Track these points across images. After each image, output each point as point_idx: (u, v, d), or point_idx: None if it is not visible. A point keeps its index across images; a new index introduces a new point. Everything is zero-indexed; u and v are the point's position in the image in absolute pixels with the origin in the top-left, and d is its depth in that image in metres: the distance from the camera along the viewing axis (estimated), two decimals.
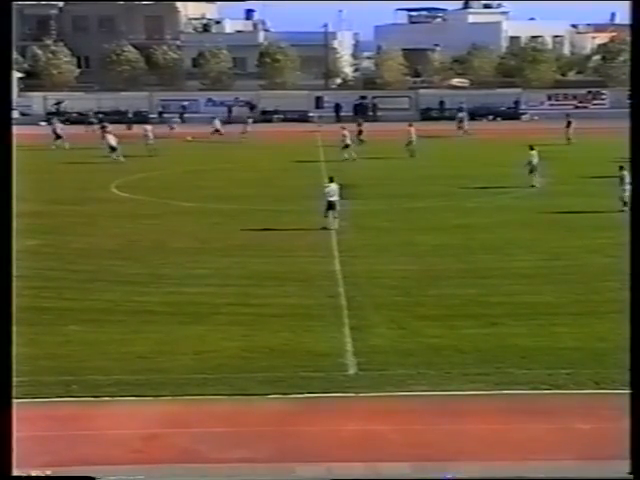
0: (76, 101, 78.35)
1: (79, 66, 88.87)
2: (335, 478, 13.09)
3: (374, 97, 78.93)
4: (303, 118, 74.63)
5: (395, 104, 77.15)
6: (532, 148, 39.14)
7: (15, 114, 77.15)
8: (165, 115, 74.76)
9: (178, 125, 66.55)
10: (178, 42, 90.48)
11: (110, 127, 56.39)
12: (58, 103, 78.48)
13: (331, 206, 30.18)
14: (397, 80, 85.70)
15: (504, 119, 74.63)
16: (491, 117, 76.06)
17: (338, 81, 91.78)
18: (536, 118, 74.97)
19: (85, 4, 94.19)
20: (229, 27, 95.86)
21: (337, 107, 76.55)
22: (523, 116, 76.69)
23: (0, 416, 9.43)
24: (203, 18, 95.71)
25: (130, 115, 76.16)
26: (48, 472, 12.40)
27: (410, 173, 44.46)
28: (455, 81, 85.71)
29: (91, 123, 67.48)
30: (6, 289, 9.45)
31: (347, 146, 49.86)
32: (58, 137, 55.00)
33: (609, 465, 12.46)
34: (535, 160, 38.82)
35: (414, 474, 13.14)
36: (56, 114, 76.68)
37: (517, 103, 77.64)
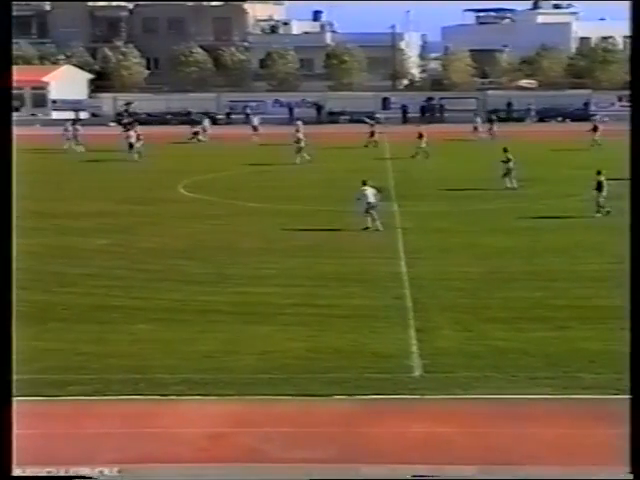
0: (145, 102, 79.18)
1: (148, 67, 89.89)
2: (325, 478, 12.95)
3: (441, 98, 78.55)
4: (370, 119, 74.46)
5: (462, 105, 76.63)
6: (506, 150, 39.39)
7: (86, 115, 78.36)
8: (232, 116, 75.19)
9: (242, 126, 66.68)
10: (246, 43, 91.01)
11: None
12: (128, 104, 79.38)
13: (370, 208, 30.58)
14: (464, 81, 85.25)
15: (573, 120, 73.73)
16: (560, 119, 75.21)
17: (405, 82, 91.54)
18: (606, 120, 73.95)
19: (155, 6, 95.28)
20: (296, 28, 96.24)
21: (404, 108, 76.28)
22: (593, 117, 75.75)
23: (0, 416, 9.41)
24: (271, 19, 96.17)
25: (194, 116, 76.76)
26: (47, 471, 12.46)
27: (473, 174, 44.13)
28: (523, 82, 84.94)
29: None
30: (6, 289, 9.48)
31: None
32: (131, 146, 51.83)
33: None
34: (511, 164, 38.86)
35: (479, 477, 13.05)
36: (125, 115, 77.61)
37: (587, 104, 76.65)
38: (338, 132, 62.99)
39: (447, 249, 27.90)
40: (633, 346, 9.40)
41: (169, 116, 76.60)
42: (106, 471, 12.91)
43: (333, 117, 76.11)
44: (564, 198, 36.46)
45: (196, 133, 61.83)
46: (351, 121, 74.94)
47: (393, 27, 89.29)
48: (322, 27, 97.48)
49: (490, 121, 62.09)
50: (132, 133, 52.77)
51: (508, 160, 39.02)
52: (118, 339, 19.35)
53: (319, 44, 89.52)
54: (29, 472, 11.95)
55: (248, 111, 74.78)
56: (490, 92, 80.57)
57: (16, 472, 10.12)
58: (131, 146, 51.41)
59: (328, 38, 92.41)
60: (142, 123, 74.78)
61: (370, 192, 30.95)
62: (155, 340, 19.24)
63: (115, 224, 32.72)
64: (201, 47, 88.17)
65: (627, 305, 9.54)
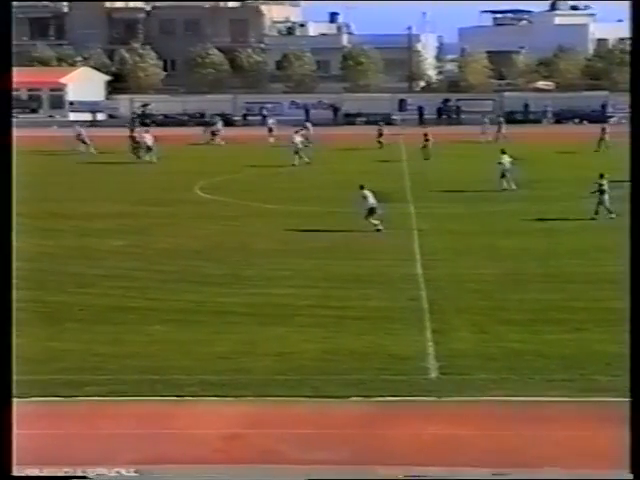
0: (162, 103, 79.43)
1: (165, 69, 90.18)
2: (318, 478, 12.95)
3: (458, 100, 78.47)
4: (386, 121, 74.41)
5: (479, 107, 76.46)
6: (503, 152, 39.62)
7: (103, 116, 78.64)
8: (249, 118, 75.32)
9: (259, 127, 66.75)
10: (262, 45, 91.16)
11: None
12: (144, 105, 79.64)
13: (372, 211, 30.71)
14: (481, 83, 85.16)
15: (591, 122, 73.52)
16: (577, 120, 75.00)
17: (422, 84, 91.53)
18: (624, 122, 73.66)
19: (172, 8, 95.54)
20: (313, 30, 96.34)
21: (420, 110, 76.24)
22: (611, 119, 75.50)
23: (1, 417, 9.60)
24: (287, 21, 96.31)
25: (207, 118, 76.96)
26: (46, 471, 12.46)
27: (490, 175, 44.03)
28: (540, 84, 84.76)
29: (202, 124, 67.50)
30: (6, 289, 9.52)
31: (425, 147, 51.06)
32: (149, 149, 51.46)
33: None
34: (507, 165, 39.09)
35: (480, 477, 13.02)
36: (142, 116, 77.84)
37: (604, 106, 76.39)
38: (354, 134, 62.89)
39: (463, 251, 27.88)
40: (633, 348, 9.38)
41: (185, 117, 76.79)
42: (123, 472, 12.96)
43: (349, 119, 76.16)
44: (571, 200, 36.31)
45: (214, 133, 61.82)
46: (367, 123, 74.95)
47: (410, 29, 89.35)
48: (339, 29, 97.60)
49: (499, 123, 61.86)
50: (147, 135, 52.79)
51: (505, 162, 39.16)
52: (134, 340, 19.41)
53: (335, 46, 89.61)
54: (29, 472, 11.95)
55: (264, 112, 74.89)
56: (507, 94, 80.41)
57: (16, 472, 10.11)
58: (149, 149, 51.41)
59: (345, 40, 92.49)
60: (159, 125, 75.30)
61: (369, 195, 31.05)
62: (171, 341, 19.29)
63: (132, 225, 32.82)
64: (218, 49, 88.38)
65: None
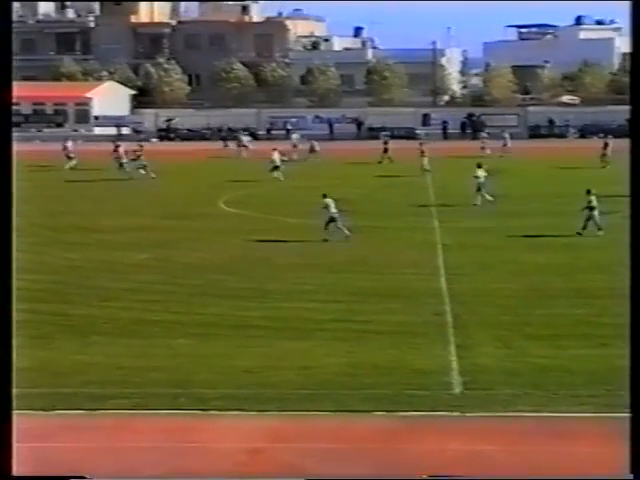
0: (187, 118, 79.76)
1: (190, 83, 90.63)
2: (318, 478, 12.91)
3: (482, 114, 78.35)
4: (410, 135, 74.50)
5: (503, 122, 76.35)
6: (479, 166, 39.84)
7: (128, 131, 79.05)
8: (273, 132, 75.46)
9: (283, 142, 66.74)
10: (287, 60, 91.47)
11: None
12: (169, 120, 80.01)
13: (332, 219, 31.97)
14: (506, 97, 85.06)
15: (615, 137, 73.18)
16: (602, 135, 74.68)
17: (446, 98, 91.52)
18: None
19: (197, 23, 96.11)
20: (338, 45, 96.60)
21: (444, 124, 76.19)
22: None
23: (0, 416, 9.61)
24: (312, 36, 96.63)
25: (225, 132, 77.27)
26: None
27: (515, 191, 43.93)
28: (565, 98, 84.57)
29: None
30: (6, 301, 9.52)
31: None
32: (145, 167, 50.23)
33: None
34: (482, 179, 39.25)
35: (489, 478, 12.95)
36: (167, 130, 78.22)
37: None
38: (371, 148, 62.54)
39: (487, 265, 27.81)
40: (633, 345, 9.30)
41: (208, 132, 77.05)
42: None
43: (373, 133, 75.93)
44: (540, 215, 36.38)
45: (240, 145, 61.72)
46: (391, 137, 74.91)
47: (434, 43, 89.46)
48: (363, 43, 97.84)
49: (503, 138, 61.69)
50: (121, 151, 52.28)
51: (480, 175, 39.33)
52: (158, 353, 19.45)
53: (360, 60, 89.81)
54: (29, 472, 11.96)
55: (288, 127, 75.07)
56: (531, 108, 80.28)
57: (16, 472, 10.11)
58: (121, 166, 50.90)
59: (369, 54, 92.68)
60: (183, 139, 75.66)
61: (331, 204, 32.14)
62: (195, 355, 19.31)
63: (155, 239, 32.93)
64: (242, 63, 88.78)
65: None
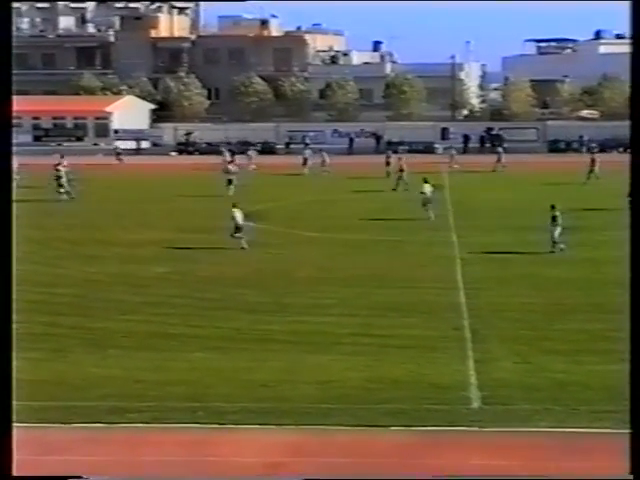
0: (205, 132, 80.00)
1: (209, 97, 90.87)
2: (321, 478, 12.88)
3: (501, 129, 78.23)
4: (429, 149, 74.49)
5: (522, 136, 76.29)
6: (426, 181, 40.45)
7: (147, 144, 79.37)
8: (292, 146, 75.51)
9: (300, 156, 66.70)
10: (306, 74, 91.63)
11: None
12: (188, 134, 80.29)
13: (238, 229, 33.43)
14: (525, 111, 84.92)
15: None
16: (621, 149, 74.44)
17: (465, 112, 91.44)
18: None
19: (217, 37, 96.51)
20: (356, 59, 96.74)
21: (466, 138, 75.78)
22: None
23: (0, 417, 9.40)
24: (331, 50, 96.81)
25: (258, 146, 77.36)
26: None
27: (532, 205, 43.80)
28: (585, 113, 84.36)
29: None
30: (6, 311, 9.49)
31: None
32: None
33: None
34: (429, 194, 39.78)
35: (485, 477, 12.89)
36: (186, 144, 78.43)
37: None
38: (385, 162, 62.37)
39: (505, 279, 27.75)
40: (633, 340, 9.25)
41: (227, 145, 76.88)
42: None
43: (392, 147, 75.63)
44: (492, 231, 36.50)
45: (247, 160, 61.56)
46: (410, 151, 74.91)
47: (453, 57, 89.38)
48: (382, 57, 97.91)
49: (498, 153, 61.57)
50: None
51: (426, 191, 39.79)
52: (176, 367, 19.48)
53: (379, 74, 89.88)
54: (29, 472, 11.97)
55: (307, 141, 75.12)
56: (550, 122, 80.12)
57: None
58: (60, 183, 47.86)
59: (388, 68, 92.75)
60: (202, 153, 75.81)
61: (238, 215, 33.41)
62: (213, 368, 19.33)
63: (174, 252, 33.00)
64: (261, 77, 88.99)
65: None
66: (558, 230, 31.89)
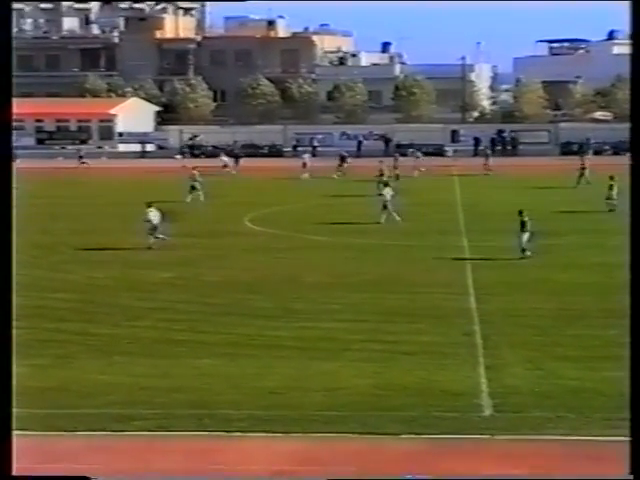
0: (211, 135, 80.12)
1: (215, 100, 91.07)
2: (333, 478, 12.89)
3: (512, 131, 78.21)
4: (438, 152, 74.48)
5: (534, 138, 76.24)
6: (386, 184, 41.64)
7: (152, 147, 79.56)
8: (299, 148, 75.54)
9: (310, 159, 66.67)
10: (313, 75, 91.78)
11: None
12: (194, 137, 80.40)
13: (155, 228, 34.31)
14: (536, 113, 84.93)
15: None
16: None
17: (475, 114, 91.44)
18: None
19: (223, 39, 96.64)
20: (365, 60, 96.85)
21: (476, 141, 75.76)
22: None
23: (0, 417, 9.59)
24: (339, 51, 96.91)
25: (265, 149, 77.51)
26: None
27: (549, 207, 43.80)
28: (598, 114, 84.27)
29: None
30: (6, 323, 9.53)
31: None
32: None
33: None
34: (388, 197, 40.31)
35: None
36: (191, 147, 78.52)
37: None
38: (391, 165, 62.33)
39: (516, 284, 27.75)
40: (633, 343, 9.22)
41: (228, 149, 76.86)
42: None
43: (401, 150, 75.53)
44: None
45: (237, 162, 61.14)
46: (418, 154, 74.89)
47: (463, 58, 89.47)
48: (391, 59, 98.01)
49: (486, 155, 61.57)
50: None
51: (386, 194, 40.27)
52: (183, 373, 19.50)
53: (388, 76, 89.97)
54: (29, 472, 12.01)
55: (315, 143, 75.21)
56: (562, 124, 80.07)
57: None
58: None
59: (397, 70, 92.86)
60: (208, 156, 75.89)
61: (154, 215, 34.34)
62: (220, 375, 19.35)
63: (180, 257, 33.05)
64: (268, 79, 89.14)
65: None
66: (526, 235, 31.50)
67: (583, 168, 53.28)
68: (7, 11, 9.38)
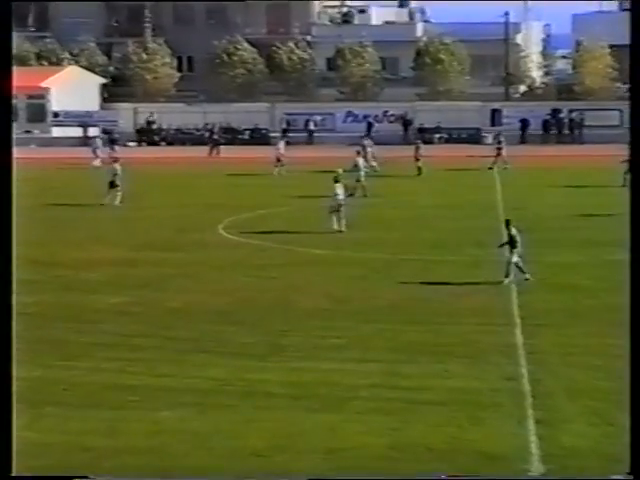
0: (175, 115, 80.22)
1: (180, 69, 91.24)
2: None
3: (571, 110, 78.37)
4: (474, 139, 74.62)
5: (600, 120, 76.36)
6: (337, 180, 42.07)
7: (96, 132, 79.52)
8: (290, 134, 75.51)
9: (304, 147, 66.87)
10: (309, 37, 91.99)
11: None
12: (151, 118, 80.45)
13: None
14: (602, 87, 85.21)
15: None
16: None
17: (522, 89, 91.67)
18: None
19: None
20: (376, 17, 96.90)
21: (524, 124, 75.90)
22: None
23: (1, 417, 10.75)
24: (342, 6, 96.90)
25: (245, 134, 77.62)
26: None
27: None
28: None
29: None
30: (6, 323, 9.90)
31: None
32: None
33: None
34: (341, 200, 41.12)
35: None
36: (148, 132, 78.64)
37: None
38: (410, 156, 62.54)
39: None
40: (633, 343, 9.25)
41: (207, 133, 76.90)
42: None
43: (424, 135, 74.40)
44: None
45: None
46: (448, 141, 75.07)
47: (507, 15, 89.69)
48: (411, 15, 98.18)
49: (498, 143, 61.96)
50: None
51: (339, 193, 41.20)
52: (136, 430, 19.53)
53: (407, 38, 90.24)
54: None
55: (311, 127, 75.40)
56: None
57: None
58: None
59: (419, 30, 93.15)
60: (170, 143, 76.00)
61: None
62: (185, 432, 19.37)
63: (134, 276, 33.12)
64: (250, 42, 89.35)
65: None
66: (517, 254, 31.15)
67: (498, 155, 54.26)
68: (7, 11, 10.38)
